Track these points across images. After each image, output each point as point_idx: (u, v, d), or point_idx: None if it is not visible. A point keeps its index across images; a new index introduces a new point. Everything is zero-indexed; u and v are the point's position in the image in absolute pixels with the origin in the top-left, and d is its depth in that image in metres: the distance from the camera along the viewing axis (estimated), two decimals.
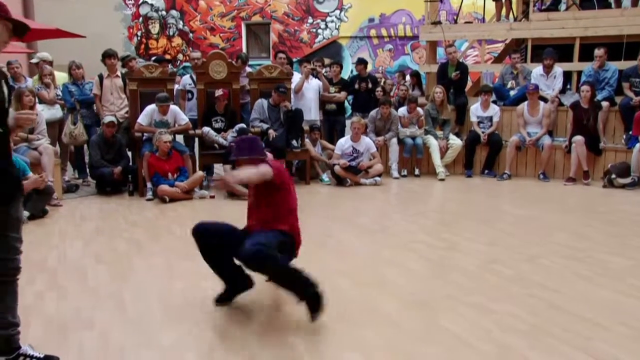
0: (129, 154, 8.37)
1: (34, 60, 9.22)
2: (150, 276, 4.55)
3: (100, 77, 8.56)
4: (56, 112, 8.42)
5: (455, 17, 11.11)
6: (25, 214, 6.34)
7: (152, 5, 15.13)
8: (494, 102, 9.46)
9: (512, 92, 9.59)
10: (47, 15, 13.18)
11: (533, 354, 3.17)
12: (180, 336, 3.45)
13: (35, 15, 13.52)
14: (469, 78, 10.27)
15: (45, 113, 7.90)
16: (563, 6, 10.23)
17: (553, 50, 9.24)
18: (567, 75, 9.62)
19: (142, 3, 15.12)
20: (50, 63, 8.91)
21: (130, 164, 8.18)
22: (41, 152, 7.11)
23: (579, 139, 8.41)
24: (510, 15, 10.69)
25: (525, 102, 8.99)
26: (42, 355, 3.06)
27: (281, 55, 9.57)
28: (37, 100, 7.65)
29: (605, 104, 8.79)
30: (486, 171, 9.18)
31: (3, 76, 2.92)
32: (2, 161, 2.89)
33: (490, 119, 9.23)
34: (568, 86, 9.75)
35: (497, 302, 3.92)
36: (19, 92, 7.19)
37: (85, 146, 8.54)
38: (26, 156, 6.81)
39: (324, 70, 9.89)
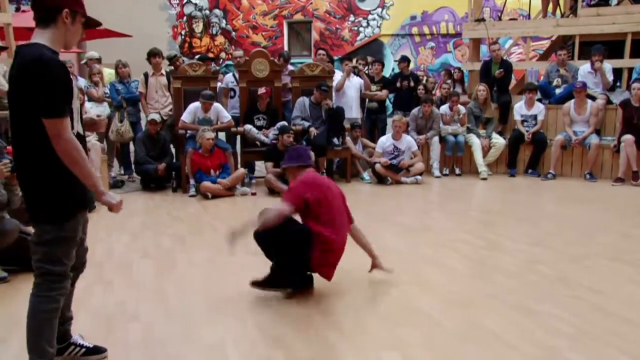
0: (173, 150, 8.51)
1: (83, 61, 9.42)
2: (193, 271, 4.62)
3: (146, 75, 8.73)
4: (104, 109, 8.60)
5: (499, 14, 10.95)
6: None
7: (196, 4, 15.30)
8: (539, 100, 9.28)
9: (557, 90, 9.40)
10: (95, 15, 13.37)
11: (577, 357, 3.11)
12: (222, 331, 3.49)
13: None
14: (512, 76, 10.10)
15: (94, 110, 8.08)
16: (614, 0, 9.92)
17: (602, 47, 8.98)
18: (617, 72, 9.36)
19: (186, 2, 15.29)
20: (99, 60, 9.10)
21: (174, 160, 8.31)
22: (89, 149, 7.24)
23: (628, 138, 8.20)
24: (557, 11, 10.44)
25: (572, 101, 8.79)
26: (91, 345, 3.15)
27: (321, 52, 9.58)
28: (86, 98, 7.83)
29: None
30: (530, 170, 9.03)
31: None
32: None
33: (535, 117, 9.06)
34: (618, 84, 9.48)
35: (540, 303, 3.86)
36: None
37: (131, 143, 8.72)
38: None
39: (365, 69, 9.88)
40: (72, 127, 2.67)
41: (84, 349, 3.13)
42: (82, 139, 2.83)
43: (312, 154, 4.38)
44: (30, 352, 2.76)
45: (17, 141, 2.67)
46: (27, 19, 10.12)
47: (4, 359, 3.13)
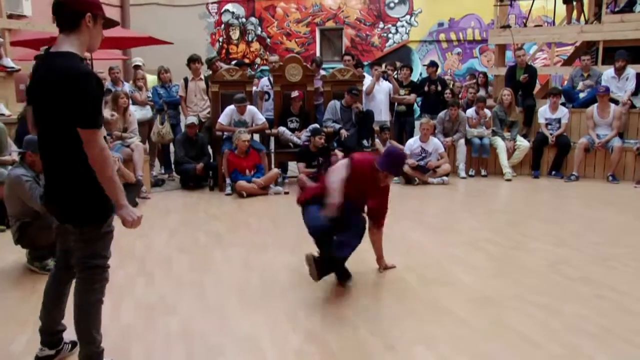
0: (210, 151, 8.55)
1: (134, 65, 9.39)
2: (229, 267, 4.62)
3: (186, 80, 8.77)
4: (147, 112, 8.69)
5: (524, 21, 10.75)
6: None
7: (233, 12, 15.35)
8: (563, 104, 9.11)
9: (581, 95, 9.21)
10: (140, 24, 13.70)
11: (602, 357, 3.04)
12: (257, 325, 3.49)
13: (130, 24, 14.09)
14: (537, 81, 9.93)
15: (137, 113, 8.16)
16: (638, 7, 9.67)
17: (625, 52, 8.77)
18: None
19: (224, 11, 15.36)
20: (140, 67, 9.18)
21: (211, 161, 8.35)
22: (133, 149, 7.36)
23: None
24: (582, 18, 10.24)
25: (595, 104, 8.61)
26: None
27: (347, 57, 9.48)
28: (130, 101, 7.92)
29: None
30: (553, 172, 8.85)
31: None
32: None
33: (559, 120, 8.89)
34: None
35: (565, 302, 3.78)
36: (116, 95, 7.52)
37: (171, 144, 8.78)
38: (120, 153, 7.07)
39: (394, 73, 9.81)
40: None
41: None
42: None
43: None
44: (81, 340, 2.82)
45: (51, 150, 2.66)
46: None
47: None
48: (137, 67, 8.88)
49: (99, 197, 2.65)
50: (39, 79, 2.61)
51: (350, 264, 4.54)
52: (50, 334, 2.99)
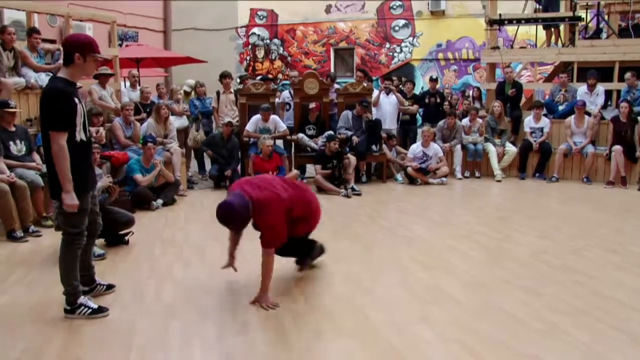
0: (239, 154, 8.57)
1: (186, 89, 9.49)
2: (255, 254, 4.60)
3: (218, 93, 8.83)
4: (184, 121, 8.76)
5: (511, 43, 10.72)
6: (159, 201, 6.68)
7: (258, 35, 15.40)
8: (545, 115, 9.10)
9: (560, 107, 9.22)
10: (180, 46, 13.87)
11: (575, 331, 3.07)
12: (276, 299, 3.53)
13: (172, 46, 14.27)
14: (523, 94, 9.92)
15: (176, 122, 8.22)
16: (604, 35, 9.78)
17: (596, 72, 8.88)
18: (608, 93, 9.21)
19: (251, 34, 15.43)
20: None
21: (240, 164, 8.36)
22: (172, 153, 7.43)
23: (618, 148, 8.03)
24: (559, 42, 10.31)
25: (572, 116, 8.64)
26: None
27: (359, 73, 9.48)
28: (170, 112, 7.99)
29: None
30: (537, 174, 8.82)
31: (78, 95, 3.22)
32: (84, 165, 3.22)
33: (542, 129, 8.87)
34: (609, 103, 9.31)
35: (545, 286, 3.79)
36: (158, 107, 7.60)
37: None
38: (161, 156, 7.13)
39: (400, 86, 9.81)
40: (75, 136, 3.10)
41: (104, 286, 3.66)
42: (85, 144, 3.22)
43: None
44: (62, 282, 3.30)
45: (45, 146, 3.11)
46: (129, 52, 10.44)
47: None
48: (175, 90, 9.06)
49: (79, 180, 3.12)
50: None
51: (356, 255, 4.58)
52: (87, 270, 3.53)
